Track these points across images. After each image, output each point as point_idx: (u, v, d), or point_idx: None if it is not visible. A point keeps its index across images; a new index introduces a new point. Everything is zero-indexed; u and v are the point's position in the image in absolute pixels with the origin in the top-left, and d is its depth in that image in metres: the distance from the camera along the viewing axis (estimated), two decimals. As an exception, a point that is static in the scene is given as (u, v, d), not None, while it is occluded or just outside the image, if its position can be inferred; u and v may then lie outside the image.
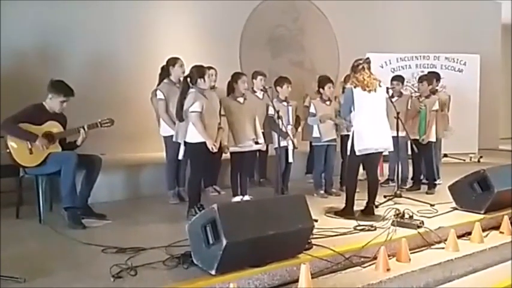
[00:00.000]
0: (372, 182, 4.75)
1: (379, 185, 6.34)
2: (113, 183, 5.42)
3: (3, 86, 5.69)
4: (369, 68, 4.66)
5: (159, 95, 5.17)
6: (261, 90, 5.52)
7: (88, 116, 4.74)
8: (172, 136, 4.84)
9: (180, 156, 4.85)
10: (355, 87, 4.57)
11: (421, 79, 6.19)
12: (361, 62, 4.67)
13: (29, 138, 4.23)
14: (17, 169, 4.44)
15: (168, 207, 5.13)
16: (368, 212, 4.65)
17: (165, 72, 5.28)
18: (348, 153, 4.66)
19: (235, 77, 5.10)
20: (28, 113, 4.30)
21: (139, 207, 5.15)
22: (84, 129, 4.42)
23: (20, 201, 4.59)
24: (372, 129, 4.55)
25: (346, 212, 4.63)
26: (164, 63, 5.31)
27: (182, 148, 4.70)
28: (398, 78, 6.37)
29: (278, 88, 5.52)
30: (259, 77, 5.80)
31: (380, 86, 4.65)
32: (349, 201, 4.67)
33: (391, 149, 4.82)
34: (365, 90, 4.54)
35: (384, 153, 6.69)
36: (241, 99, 5.08)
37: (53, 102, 4.38)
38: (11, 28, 5.87)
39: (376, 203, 4.90)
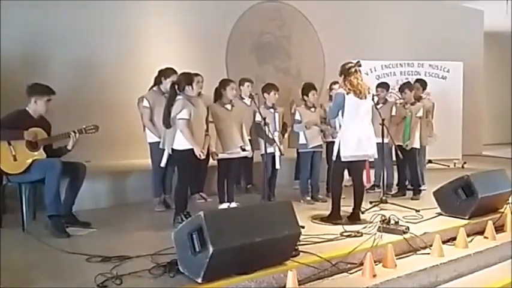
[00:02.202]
0: (357, 188, 4.77)
1: (365, 191, 6.43)
2: (98, 190, 5.36)
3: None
4: (360, 72, 4.63)
5: (145, 102, 5.16)
6: (249, 97, 5.53)
7: (73, 121, 4.69)
8: (158, 143, 4.82)
9: (163, 164, 4.84)
10: (347, 93, 4.53)
11: (401, 88, 6.24)
12: (352, 65, 4.60)
13: (15, 137, 4.18)
14: (0, 177, 4.36)
15: (154, 215, 5.09)
16: (354, 217, 4.66)
17: (158, 79, 5.25)
18: (334, 158, 4.67)
19: (224, 83, 5.10)
20: (11, 119, 4.26)
21: (125, 214, 5.10)
22: (75, 133, 4.39)
23: (3, 210, 4.50)
24: (359, 137, 4.56)
25: (333, 218, 4.64)
26: (153, 68, 5.30)
27: (165, 155, 4.68)
28: (383, 85, 6.44)
29: (265, 95, 5.55)
30: (246, 84, 5.81)
31: (369, 92, 4.66)
32: (335, 206, 4.68)
33: (376, 156, 4.84)
34: (357, 96, 4.52)
35: (370, 160, 6.79)
36: (229, 106, 5.08)
37: (38, 105, 4.35)
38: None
39: (362, 209, 4.92)
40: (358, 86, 4.53)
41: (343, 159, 4.56)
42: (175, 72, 5.08)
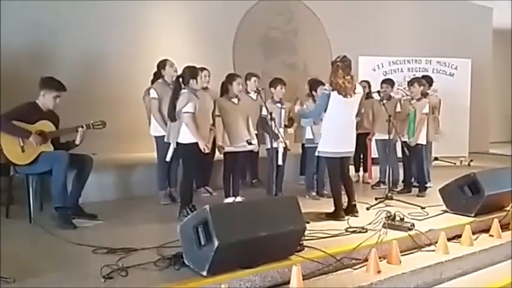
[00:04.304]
0: (345, 182, 4.77)
1: (371, 187, 6.44)
2: (104, 183, 5.39)
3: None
4: (350, 68, 4.54)
5: (153, 93, 5.17)
6: (255, 91, 5.53)
7: (80, 115, 4.72)
8: (163, 136, 4.84)
9: (168, 158, 4.85)
10: (332, 90, 4.48)
11: (411, 82, 6.18)
12: (337, 60, 4.52)
13: (22, 135, 4.21)
14: (8, 168, 4.39)
15: (160, 208, 5.11)
16: (350, 210, 4.66)
17: (157, 76, 5.30)
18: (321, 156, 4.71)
19: (230, 78, 5.11)
20: (21, 111, 4.28)
21: (131, 207, 5.13)
22: (82, 127, 4.41)
23: (10, 201, 4.54)
24: (339, 135, 4.57)
25: (337, 215, 4.62)
26: (156, 66, 5.32)
27: (171, 149, 4.70)
28: (388, 82, 6.40)
29: (272, 89, 5.55)
30: (253, 78, 5.80)
31: (355, 92, 4.56)
32: (338, 204, 4.65)
33: (352, 154, 4.82)
34: (341, 94, 4.46)
35: (374, 156, 6.79)
36: (235, 100, 5.09)
37: (46, 99, 4.37)
38: (3, 27, 5.82)
39: (368, 205, 4.93)
40: (341, 85, 4.44)
41: (322, 155, 4.64)
42: (165, 59, 5.25)
